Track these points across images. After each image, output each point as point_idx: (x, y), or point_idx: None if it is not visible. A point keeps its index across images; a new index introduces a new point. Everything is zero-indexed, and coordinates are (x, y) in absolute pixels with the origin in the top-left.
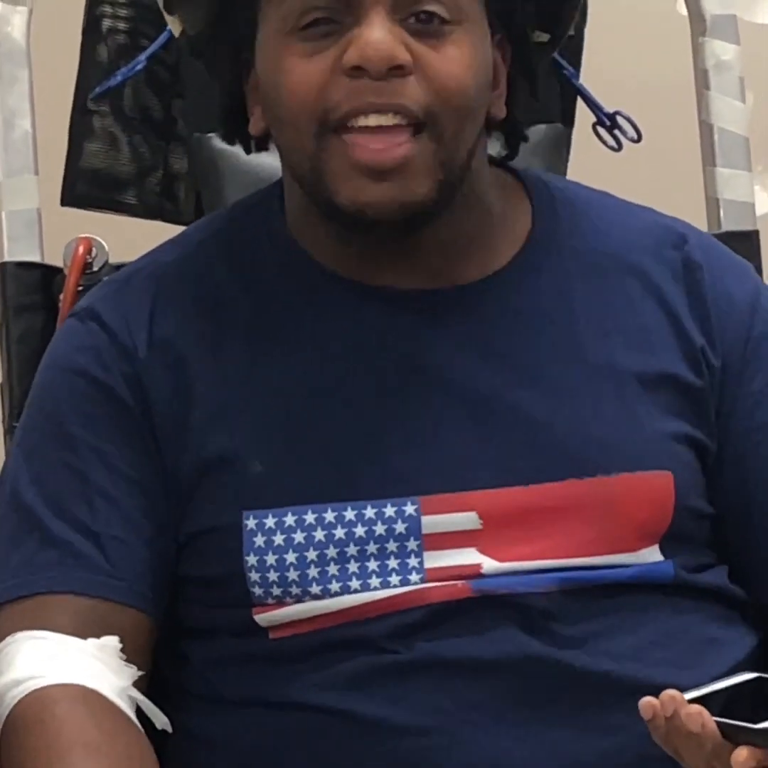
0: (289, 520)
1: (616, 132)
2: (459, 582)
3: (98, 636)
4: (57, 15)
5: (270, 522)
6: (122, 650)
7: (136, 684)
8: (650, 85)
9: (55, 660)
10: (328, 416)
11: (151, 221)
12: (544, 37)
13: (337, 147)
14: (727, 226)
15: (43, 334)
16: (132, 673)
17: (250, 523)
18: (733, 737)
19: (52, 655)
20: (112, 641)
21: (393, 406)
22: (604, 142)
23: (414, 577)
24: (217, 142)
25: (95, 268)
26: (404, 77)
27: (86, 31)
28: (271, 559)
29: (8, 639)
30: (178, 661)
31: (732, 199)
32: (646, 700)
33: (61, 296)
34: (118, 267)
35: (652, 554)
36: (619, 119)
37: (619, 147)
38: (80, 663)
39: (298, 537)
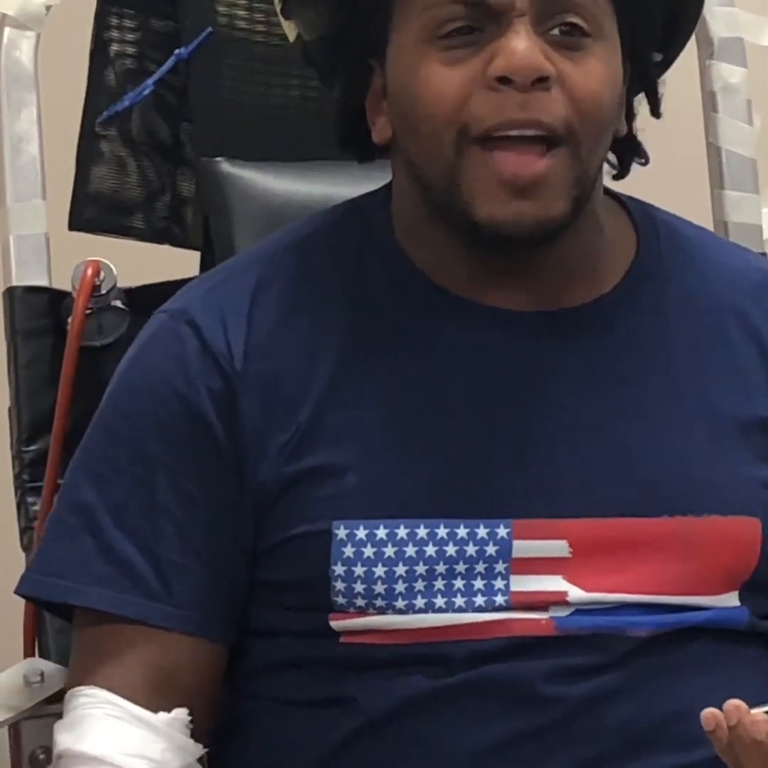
0: (381, 533)
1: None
2: (544, 617)
3: (169, 688)
4: (65, 40)
5: (361, 533)
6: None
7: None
8: None
9: (123, 743)
10: (426, 432)
11: (158, 245)
12: (658, 57)
13: (478, 159)
14: None
15: (52, 359)
16: (196, 751)
17: (341, 532)
18: None
19: (121, 736)
20: (181, 714)
21: (492, 427)
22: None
23: (499, 599)
24: (225, 166)
25: (103, 292)
26: (547, 90)
27: (94, 56)
28: (359, 570)
29: (83, 691)
30: (238, 659)
31: (740, 222)
32: (709, 711)
33: (70, 320)
34: (127, 290)
35: (731, 599)
36: None
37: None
38: (147, 748)
39: (389, 551)
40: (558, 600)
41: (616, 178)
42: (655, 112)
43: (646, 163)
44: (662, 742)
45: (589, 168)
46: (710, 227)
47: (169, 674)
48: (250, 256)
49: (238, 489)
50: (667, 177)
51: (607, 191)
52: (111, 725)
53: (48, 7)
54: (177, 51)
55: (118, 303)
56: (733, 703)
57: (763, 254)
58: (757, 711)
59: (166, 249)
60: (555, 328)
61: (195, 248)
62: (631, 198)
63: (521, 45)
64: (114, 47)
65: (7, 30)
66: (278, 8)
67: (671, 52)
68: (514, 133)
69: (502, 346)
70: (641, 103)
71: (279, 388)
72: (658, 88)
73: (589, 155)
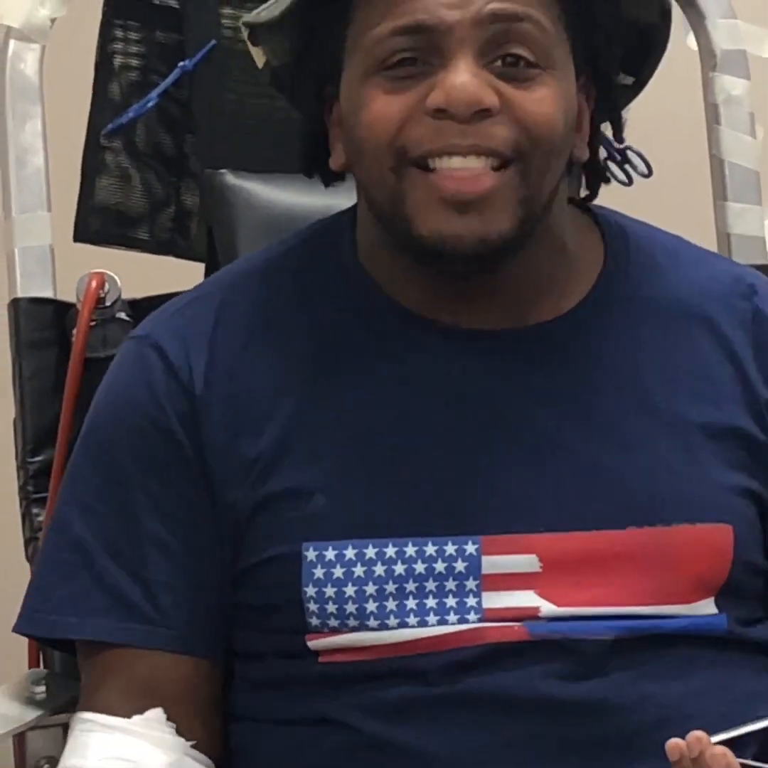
0: (350, 553)
1: (627, 167)
2: (516, 624)
3: (147, 696)
4: (69, 52)
5: (330, 554)
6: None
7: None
8: (660, 120)
9: (100, 752)
10: (392, 452)
11: (163, 257)
12: (629, 80)
13: (418, 180)
14: (737, 260)
15: (57, 370)
16: (180, 743)
17: (310, 554)
18: None
19: (97, 746)
20: (155, 714)
21: (459, 444)
22: (615, 177)
23: (472, 616)
24: (229, 178)
25: (108, 303)
26: (491, 118)
27: (98, 68)
28: (329, 591)
29: (84, 718)
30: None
31: (743, 234)
32: (673, 742)
33: (74, 331)
34: (131, 302)
35: (707, 607)
36: (630, 154)
37: (630, 182)
38: (124, 751)
39: (358, 571)
40: (530, 615)
41: (585, 200)
42: (618, 136)
43: (649, 175)
44: (646, 750)
45: (538, 190)
46: (713, 239)
47: (150, 687)
48: (215, 281)
49: (213, 510)
50: (669, 189)
51: (578, 204)
52: (86, 739)
53: (53, 20)
54: (181, 63)
55: (123, 315)
56: (695, 734)
57: (767, 266)
58: (721, 738)
59: (170, 260)
60: (520, 346)
61: (199, 260)
62: (603, 209)
63: (460, 78)
64: (118, 59)
65: (12, 42)
66: (245, 35)
67: (644, 73)
68: (455, 161)
69: (467, 365)
70: (637, 116)
71: (243, 411)
72: (622, 113)
73: (538, 178)
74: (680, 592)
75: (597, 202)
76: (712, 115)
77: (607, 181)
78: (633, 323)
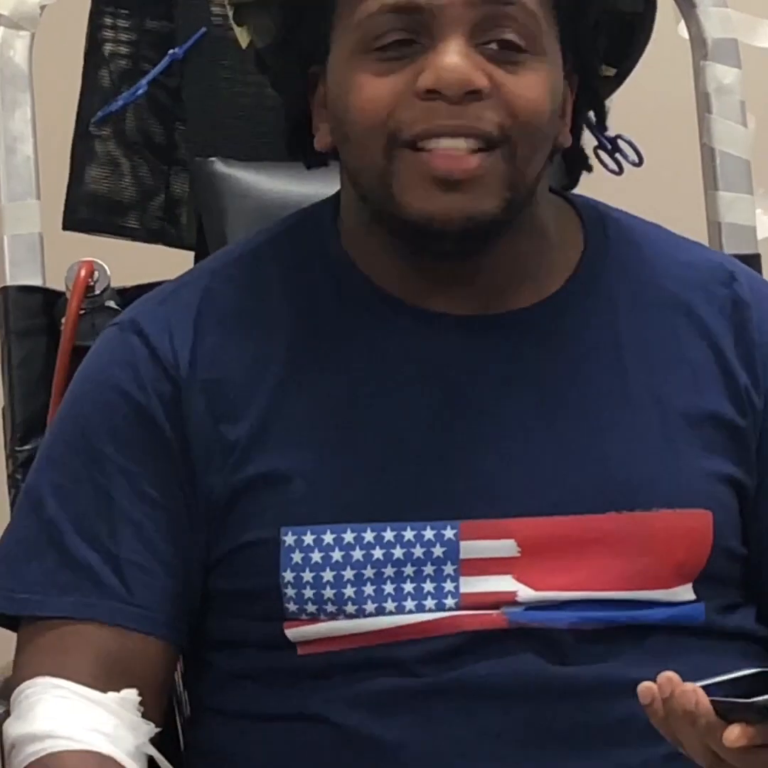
0: (328, 538)
1: (618, 156)
2: (494, 611)
3: (119, 673)
4: (59, 39)
5: (308, 539)
6: (141, 687)
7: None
8: (651, 109)
9: (73, 719)
10: (371, 437)
11: (152, 245)
12: (611, 72)
13: (409, 160)
14: (728, 250)
15: (46, 358)
16: (148, 729)
17: (289, 539)
18: (727, 716)
19: (71, 712)
20: (131, 695)
21: (439, 429)
22: (606, 166)
23: (449, 601)
24: (219, 167)
25: (97, 292)
26: (480, 100)
27: (88, 56)
28: (307, 576)
29: (29, 683)
30: (200, 673)
31: (734, 223)
32: (645, 685)
33: (64, 320)
34: (120, 291)
35: (686, 593)
36: (621, 143)
37: (621, 171)
38: (98, 723)
39: (336, 555)
40: (508, 600)
41: (565, 188)
42: (601, 126)
43: (640, 164)
44: (625, 738)
45: (523, 174)
46: (704, 228)
47: (120, 662)
48: (200, 268)
49: (192, 494)
50: (660, 178)
51: (555, 191)
52: (60, 705)
53: (42, 7)
54: (171, 51)
55: (112, 303)
56: (666, 675)
57: (757, 255)
58: (697, 685)
59: (160, 249)
60: (500, 331)
61: (189, 248)
62: (580, 196)
63: (452, 59)
64: (108, 47)
65: (1, 30)
66: (230, 14)
67: (625, 66)
68: (445, 141)
69: (446, 350)
70: (628, 104)
71: (225, 396)
72: (605, 103)
73: (524, 162)
74: (659, 578)
75: (588, 190)
76: (704, 104)
77: (590, 169)
78: (613, 310)
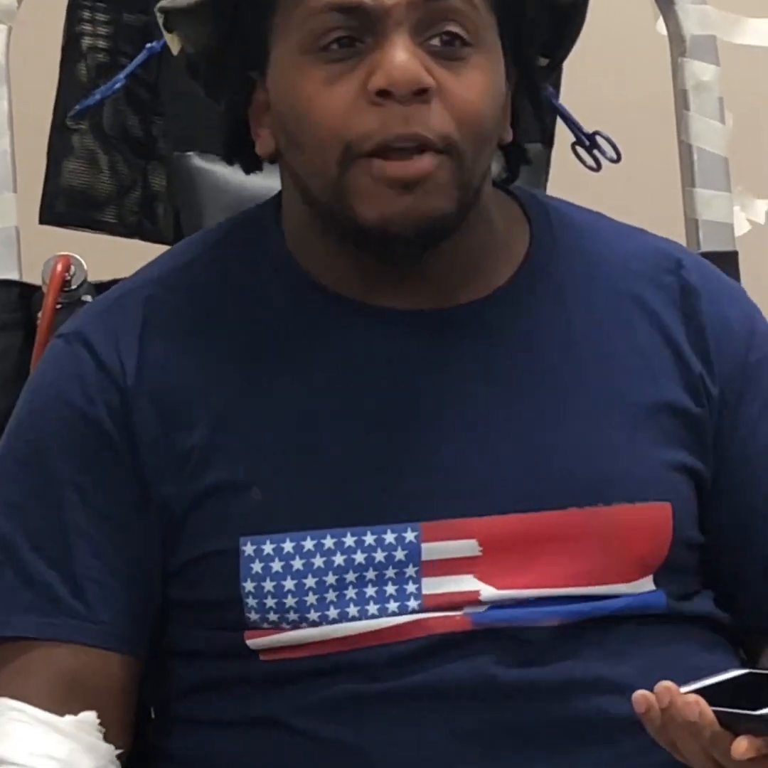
0: (288, 546)
1: (596, 152)
2: (458, 613)
3: (80, 692)
4: (36, 33)
5: (268, 548)
6: (104, 705)
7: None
8: (629, 106)
9: (27, 745)
10: (327, 441)
11: (130, 240)
12: (544, 62)
13: (364, 166)
14: (706, 247)
15: (22, 352)
16: (108, 750)
17: (248, 549)
18: (731, 726)
19: (25, 738)
20: (89, 717)
21: (394, 430)
22: (584, 162)
23: (412, 603)
24: (197, 161)
25: (74, 286)
26: (427, 103)
27: (66, 49)
28: (268, 585)
29: (11, 705)
30: (162, 682)
31: (711, 220)
32: (640, 693)
33: (40, 314)
34: (97, 285)
35: (646, 584)
36: (599, 139)
37: (599, 167)
38: (52, 748)
39: (297, 564)
40: (471, 600)
41: (505, 182)
42: (539, 118)
43: (617, 161)
44: (595, 735)
45: (472, 174)
46: (681, 225)
47: (81, 681)
48: (142, 276)
49: (145, 505)
50: (638, 174)
51: (497, 185)
52: (15, 729)
53: (20, 1)
54: (149, 45)
55: (89, 298)
56: (664, 684)
57: (735, 253)
58: (687, 690)
59: (137, 243)
60: (451, 326)
61: (166, 243)
62: (521, 188)
63: (400, 56)
64: (86, 41)
65: None
66: (160, 21)
67: (557, 57)
68: (398, 145)
69: (399, 347)
70: (606, 101)
71: (175, 405)
72: (541, 94)
73: (472, 164)
74: (621, 572)
75: (565, 187)
76: (682, 101)
77: (528, 162)
78: (562, 301)
